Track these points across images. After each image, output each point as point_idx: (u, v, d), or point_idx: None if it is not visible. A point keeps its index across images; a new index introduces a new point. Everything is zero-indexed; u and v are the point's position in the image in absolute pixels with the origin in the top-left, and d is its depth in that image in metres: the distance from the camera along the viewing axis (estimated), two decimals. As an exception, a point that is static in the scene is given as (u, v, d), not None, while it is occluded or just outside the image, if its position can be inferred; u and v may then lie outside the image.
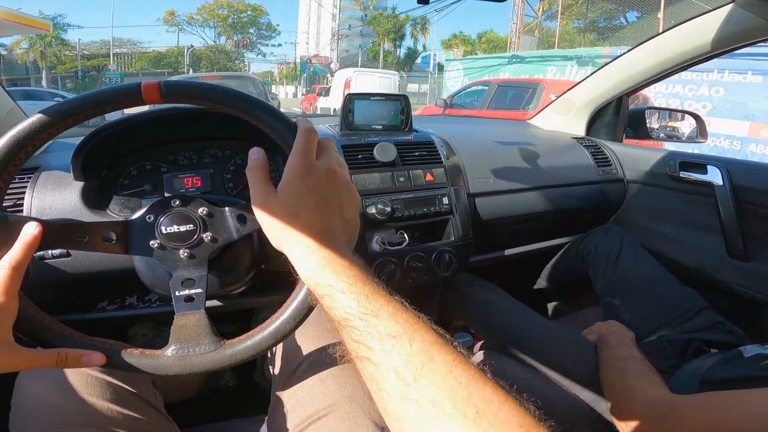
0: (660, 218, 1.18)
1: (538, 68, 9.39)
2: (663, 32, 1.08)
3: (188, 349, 0.48)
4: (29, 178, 0.74)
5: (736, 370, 0.66)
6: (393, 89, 10.07)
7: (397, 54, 30.40)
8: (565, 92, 1.40)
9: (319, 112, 11.65)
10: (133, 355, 0.47)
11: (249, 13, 34.36)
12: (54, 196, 0.72)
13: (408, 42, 30.67)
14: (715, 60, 1.08)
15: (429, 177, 0.94)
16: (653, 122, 1.50)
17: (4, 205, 0.45)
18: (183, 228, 0.51)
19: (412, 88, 19.18)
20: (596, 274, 1.06)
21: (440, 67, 18.51)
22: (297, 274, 0.42)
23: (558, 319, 1.18)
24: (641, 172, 1.21)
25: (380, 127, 1.04)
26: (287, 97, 29.62)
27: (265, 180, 0.43)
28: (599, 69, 1.27)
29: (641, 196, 1.23)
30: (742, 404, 0.51)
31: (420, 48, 30.38)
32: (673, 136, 1.58)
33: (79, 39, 26.68)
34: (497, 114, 5.09)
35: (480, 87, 6.64)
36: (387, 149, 0.90)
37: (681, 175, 1.10)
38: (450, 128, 1.26)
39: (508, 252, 1.14)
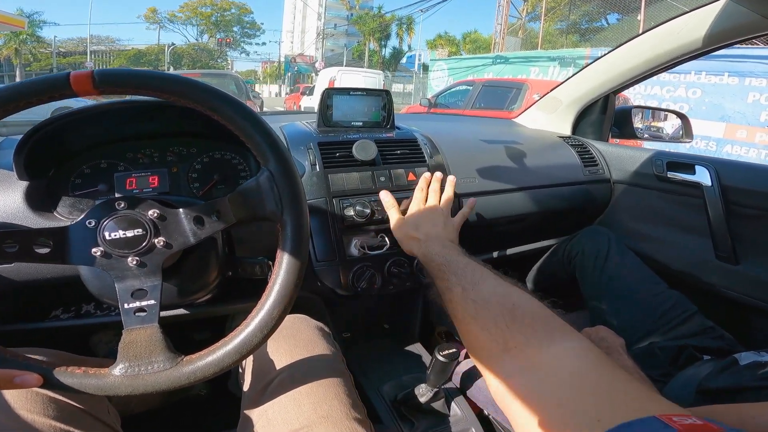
0: (646, 219, 1.16)
1: (522, 69, 9.46)
2: (653, 28, 1.05)
3: (139, 367, 0.43)
4: None
5: (734, 379, 0.64)
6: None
7: (383, 54, 30.35)
8: (550, 90, 1.37)
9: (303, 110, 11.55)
10: (75, 375, 0.42)
11: (233, 11, 33.93)
12: None
13: (393, 42, 30.63)
14: (693, 61, 1.06)
15: (411, 177, 0.89)
16: (637, 121, 1.49)
17: None
18: (130, 233, 0.45)
19: (397, 87, 19.11)
20: (583, 276, 1.04)
21: (425, 67, 18.54)
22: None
23: None
24: (628, 172, 1.18)
25: (360, 123, 0.99)
26: (271, 96, 29.30)
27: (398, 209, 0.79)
28: (587, 66, 1.25)
29: (628, 197, 1.20)
30: (747, 418, 0.48)
31: (405, 48, 30.40)
32: (657, 136, 1.57)
33: (55, 36, 25.98)
34: (481, 114, 5.08)
35: (464, 87, 6.64)
36: (367, 147, 0.85)
37: (668, 176, 1.07)
38: (434, 126, 1.22)
39: (494, 254, 1.10)
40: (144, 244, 0.45)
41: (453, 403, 0.81)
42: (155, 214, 0.46)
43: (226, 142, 0.80)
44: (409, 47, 30.00)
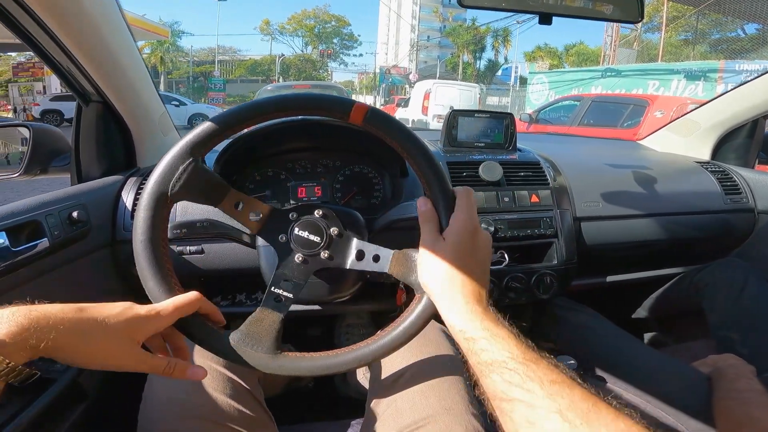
0: None
1: (637, 82, 8.68)
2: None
3: (246, 343, 0.50)
4: None
5: None
6: (473, 102, 9.91)
7: (477, 66, 29.96)
8: (687, 112, 1.27)
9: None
10: (204, 327, 0.50)
11: (333, 23, 36.22)
12: None
13: (488, 54, 30.12)
14: None
15: (534, 198, 0.91)
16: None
17: None
18: (311, 237, 0.53)
19: (492, 101, 18.59)
20: (713, 307, 0.99)
21: (522, 80, 17.90)
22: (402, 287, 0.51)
23: (661, 349, 1.09)
24: None
25: (483, 144, 1.03)
26: (366, 107, 30.35)
27: (436, 229, 0.48)
28: (734, 88, 1.14)
29: None
30: None
31: (501, 60, 29.67)
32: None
33: (192, 45, 29.76)
34: (591, 131, 4.70)
35: (570, 102, 6.28)
36: (493, 168, 0.89)
37: None
38: (552, 147, 1.21)
39: (610, 278, 1.07)
40: (315, 249, 0.53)
41: None
42: (335, 232, 0.54)
43: (364, 156, 0.90)
44: (506, 59, 29.21)
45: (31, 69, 15.57)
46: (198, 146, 0.48)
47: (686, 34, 13.31)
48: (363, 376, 0.87)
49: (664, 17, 11.80)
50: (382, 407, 0.63)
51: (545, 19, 0.76)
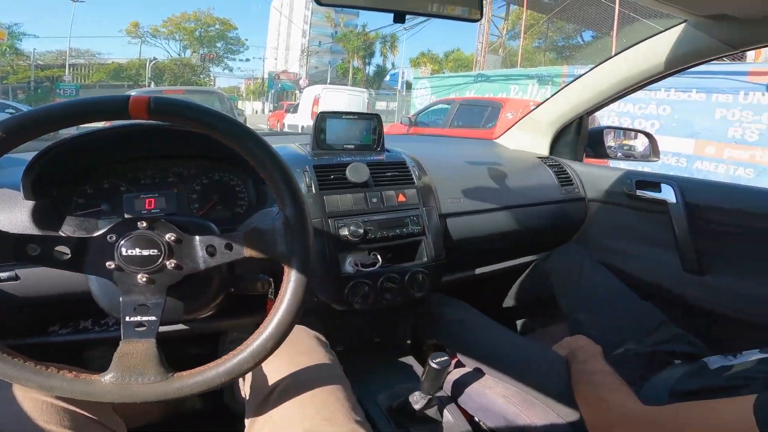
0: (620, 236, 1.23)
1: (503, 87, 9.68)
2: (620, 52, 1.14)
3: (130, 377, 0.45)
4: None
5: (704, 382, 0.69)
6: (362, 107, 10.10)
7: (367, 71, 30.77)
8: (530, 111, 1.45)
9: (287, 129, 11.49)
10: (65, 379, 0.44)
11: (217, 27, 33.91)
12: (2, 215, 0.67)
13: (377, 59, 31.10)
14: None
15: (401, 198, 0.94)
16: (609, 141, 1.57)
17: None
18: (146, 252, 0.48)
19: (380, 105, 19.25)
20: (561, 292, 1.09)
21: (408, 85, 18.83)
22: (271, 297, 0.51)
23: (527, 335, 1.20)
24: (601, 191, 1.26)
25: (352, 146, 1.04)
26: (254, 114, 29.22)
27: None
28: (562, 88, 1.33)
29: (602, 215, 1.28)
30: (714, 414, 0.54)
31: (389, 66, 30.86)
32: (629, 155, 1.66)
33: (34, 49, 25.47)
34: (460, 132, 5.35)
35: (443, 105, 6.87)
36: (359, 170, 0.90)
37: (638, 194, 1.15)
38: (420, 147, 1.28)
39: (478, 271, 1.16)
40: (156, 263, 0.49)
41: (445, 411, 0.84)
42: (172, 238, 0.49)
43: (223, 163, 0.84)
44: (393, 65, 30.43)
45: None
46: None
47: (539, 41, 15.31)
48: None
49: (523, 25, 13.40)
50: (259, 424, 0.60)
51: (399, 18, 0.78)
